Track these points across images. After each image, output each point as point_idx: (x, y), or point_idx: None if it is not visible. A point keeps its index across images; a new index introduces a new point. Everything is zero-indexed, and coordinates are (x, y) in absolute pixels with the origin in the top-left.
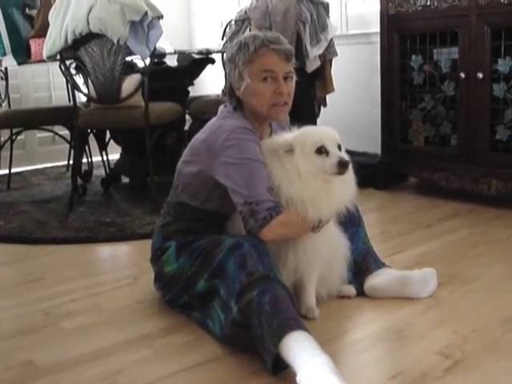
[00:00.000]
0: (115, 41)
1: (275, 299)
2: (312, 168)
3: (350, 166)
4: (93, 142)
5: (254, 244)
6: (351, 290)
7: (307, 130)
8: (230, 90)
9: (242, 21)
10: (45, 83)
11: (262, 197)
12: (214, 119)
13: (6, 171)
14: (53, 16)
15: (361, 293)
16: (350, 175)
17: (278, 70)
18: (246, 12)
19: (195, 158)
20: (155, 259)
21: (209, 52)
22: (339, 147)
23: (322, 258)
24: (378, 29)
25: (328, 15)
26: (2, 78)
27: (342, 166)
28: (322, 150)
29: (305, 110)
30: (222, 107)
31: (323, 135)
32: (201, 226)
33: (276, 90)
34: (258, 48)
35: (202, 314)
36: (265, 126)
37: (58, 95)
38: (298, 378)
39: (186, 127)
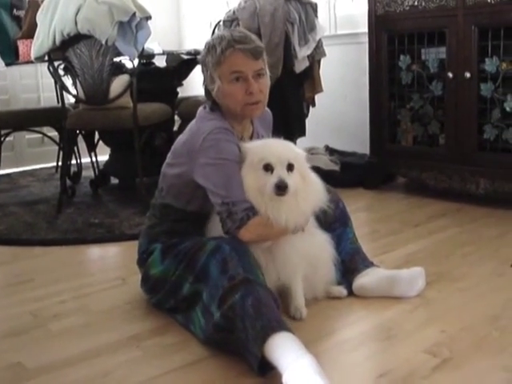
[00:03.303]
0: (103, 42)
1: (258, 302)
2: (257, 183)
3: (312, 178)
4: (82, 143)
5: (235, 246)
6: (341, 290)
7: (265, 143)
8: (206, 92)
9: (231, 21)
10: (33, 84)
11: (239, 197)
12: (193, 121)
13: None
14: (40, 17)
15: (349, 292)
16: (311, 187)
17: (246, 70)
18: (234, 12)
19: (177, 160)
20: (141, 262)
21: (198, 53)
22: (290, 167)
23: (304, 260)
24: (366, 29)
25: (316, 16)
26: None
27: (278, 189)
28: (268, 168)
29: (293, 111)
30: (201, 108)
31: (273, 152)
32: (185, 226)
33: (247, 90)
34: (225, 49)
35: (185, 318)
36: (245, 124)
37: (47, 96)
38: (284, 380)
39: (175, 128)
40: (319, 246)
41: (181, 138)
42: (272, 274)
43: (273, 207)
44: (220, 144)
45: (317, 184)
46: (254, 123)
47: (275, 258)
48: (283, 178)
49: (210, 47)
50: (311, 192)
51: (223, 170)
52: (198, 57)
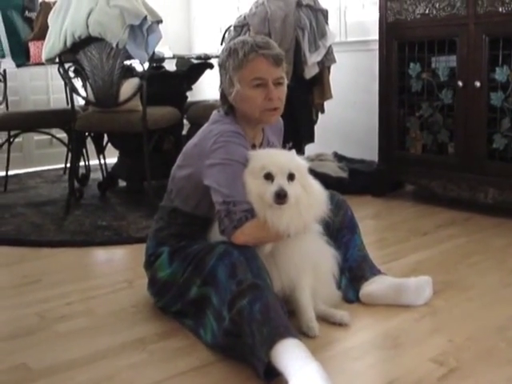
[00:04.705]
0: (114, 45)
1: (265, 307)
2: (258, 192)
3: (314, 188)
4: (90, 145)
5: (243, 250)
6: (344, 317)
7: (268, 152)
8: (221, 96)
9: (241, 27)
10: (43, 86)
11: (241, 198)
12: (206, 124)
13: (3, 173)
14: (52, 19)
15: (356, 300)
16: (313, 197)
17: (267, 77)
18: (245, 18)
19: (187, 161)
20: (149, 265)
21: (207, 57)
22: (291, 177)
23: (308, 264)
24: (376, 36)
25: (327, 22)
26: (0, 80)
27: (278, 197)
28: (268, 176)
29: (302, 117)
30: (215, 112)
31: (274, 162)
32: (192, 230)
33: (266, 96)
34: (247, 53)
35: (195, 322)
36: (257, 130)
37: (57, 98)
38: None
39: (184, 132)
40: (322, 256)
41: (192, 140)
42: (276, 280)
43: (273, 215)
44: (229, 146)
45: (320, 194)
46: (264, 130)
47: (278, 263)
48: (283, 186)
49: (232, 51)
50: (314, 202)
51: (229, 170)
52: (210, 61)
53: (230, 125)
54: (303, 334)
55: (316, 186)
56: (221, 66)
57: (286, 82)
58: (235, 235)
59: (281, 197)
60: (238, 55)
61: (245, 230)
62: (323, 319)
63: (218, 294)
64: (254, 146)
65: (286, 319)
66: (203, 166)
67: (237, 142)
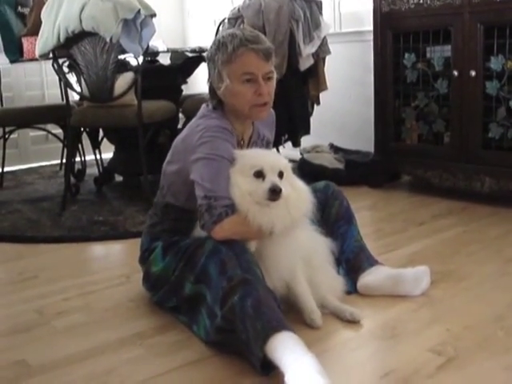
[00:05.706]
0: (108, 39)
1: (257, 302)
2: (248, 189)
3: (300, 186)
4: (86, 140)
5: (232, 246)
6: (355, 314)
7: (256, 151)
8: (210, 90)
9: (236, 19)
10: (38, 81)
11: (222, 193)
12: (194, 118)
13: None
14: (45, 14)
15: (354, 291)
16: (300, 195)
17: (257, 72)
18: (239, 10)
19: (176, 157)
20: (143, 260)
21: (202, 50)
22: (281, 175)
23: (298, 259)
24: (371, 27)
25: (321, 13)
26: None
27: (272, 193)
28: (259, 174)
29: (298, 109)
30: (203, 106)
31: (265, 160)
32: (185, 225)
33: (256, 91)
34: (237, 48)
35: (189, 319)
36: (246, 125)
37: (51, 93)
38: (286, 379)
39: (179, 125)
40: (314, 247)
41: (180, 135)
42: (268, 281)
43: (259, 212)
44: (215, 141)
45: (306, 192)
46: (255, 124)
47: (268, 265)
48: (276, 183)
49: (221, 44)
50: (302, 200)
51: (213, 165)
52: (204, 54)
53: (217, 120)
54: (308, 326)
55: (302, 185)
56: (209, 59)
57: (275, 76)
58: (214, 230)
59: (276, 193)
60: (227, 49)
61: (224, 225)
62: (335, 316)
63: (211, 292)
64: (242, 141)
65: (279, 312)
66: (189, 160)
67: (223, 137)
